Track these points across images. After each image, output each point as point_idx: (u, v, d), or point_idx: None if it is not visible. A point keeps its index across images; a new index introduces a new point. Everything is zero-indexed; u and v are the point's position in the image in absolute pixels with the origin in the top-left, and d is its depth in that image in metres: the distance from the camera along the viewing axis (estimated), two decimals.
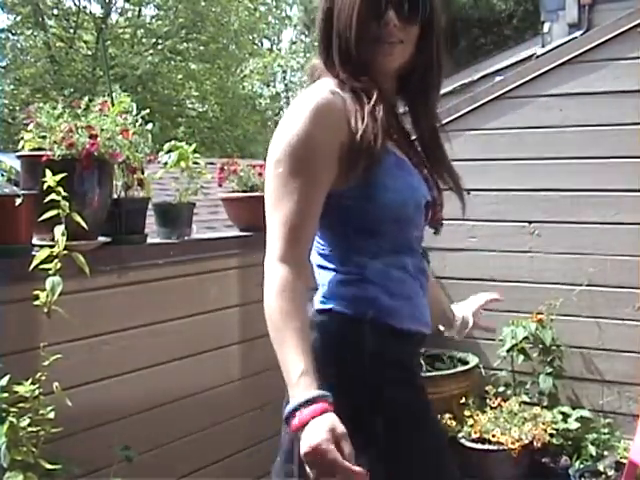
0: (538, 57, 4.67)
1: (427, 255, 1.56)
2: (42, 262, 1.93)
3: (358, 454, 1.21)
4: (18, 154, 2.26)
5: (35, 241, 2.15)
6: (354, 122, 1.36)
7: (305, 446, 1.19)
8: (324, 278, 1.45)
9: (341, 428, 1.20)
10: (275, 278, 1.30)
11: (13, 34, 19.39)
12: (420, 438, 1.42)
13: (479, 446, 3.26)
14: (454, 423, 3.36)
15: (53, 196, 1.97)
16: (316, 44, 1.52)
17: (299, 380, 1.25)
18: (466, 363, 3.64)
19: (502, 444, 3.21)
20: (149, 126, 2.51)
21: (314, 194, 1.35)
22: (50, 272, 1.92)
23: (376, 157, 1.36)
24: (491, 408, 3.42)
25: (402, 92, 1.51)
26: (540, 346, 3.50)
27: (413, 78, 1.47)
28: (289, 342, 1.27)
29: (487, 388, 3.55)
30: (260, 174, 3.00)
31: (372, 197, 1.39)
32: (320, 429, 1.19)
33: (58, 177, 1.98)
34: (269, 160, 1.38)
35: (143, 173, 2.51)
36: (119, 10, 20.57)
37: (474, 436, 3.28)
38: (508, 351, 3.53)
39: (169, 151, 2.72)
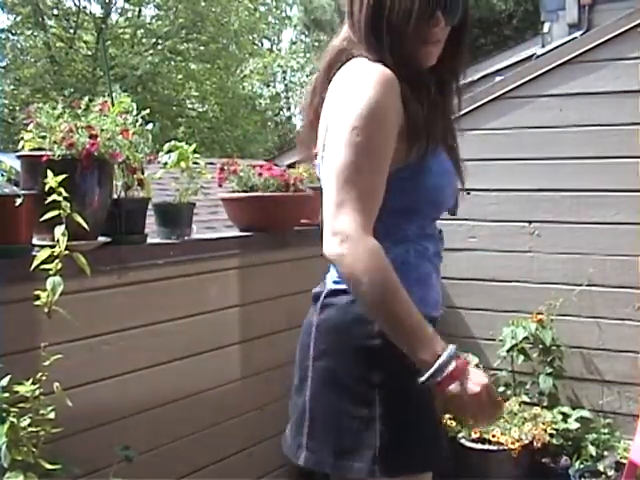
0: (538, 57, 4.67)
1: (442, 235, 1.61)
2: (43, 262, 1.93)
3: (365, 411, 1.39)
4: (18, 154, 2.26)
5: (35, 241, 2.15)
6: (415, 106, 1.39)
7: (476, 385, 1.30)
8: None
9: None
10: (374, 248, 1.30)
11: (13, 34, 19.41)
12: (418, 399, 1.44)
13: (479, 446, 3.26)
14: (454, 423, 3.36)
15: (54, 197, 1.97)
16: (346, 26, 1.51)
17: (435, 337, 1.32)
18: None
19: (502, 444, 3.21)
20: (149, 126, 2.51)
21: (386, 166, 1.37)
22: (51, 272, 1.92)
23: (436, 141, 1.43)
24: None
25: None
26: (540, 346, 3.50)
27: (443, 71, 1.52)
28: (413, 305, 1.30)
29: None
30: (260, 174, 3.00)
31: (417, 179, 1.44)
32: (480, 372, 1.34)
33: (59, 178, 1.98)
34: (342, 125, 1.35)
35: (143, 173, 2.51)
36: (119, 10, 20.59)
37: (474, 436, 3.28)
38: (508, 351, 3.52)
39: (169, 151, 2.71)
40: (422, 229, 1.51)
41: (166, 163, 2.70)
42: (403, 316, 1.30)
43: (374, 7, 1.43)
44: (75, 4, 19.80)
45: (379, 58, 1.41)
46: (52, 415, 1.90)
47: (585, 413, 3.44)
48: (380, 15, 1.42)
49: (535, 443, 3.24)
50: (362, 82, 1.36)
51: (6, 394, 1.86)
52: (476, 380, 1.32)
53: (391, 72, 1.38)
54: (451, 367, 1.29)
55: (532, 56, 5.74)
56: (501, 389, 3.59)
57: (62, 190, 1.98)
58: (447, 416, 3.35)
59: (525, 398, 3.52)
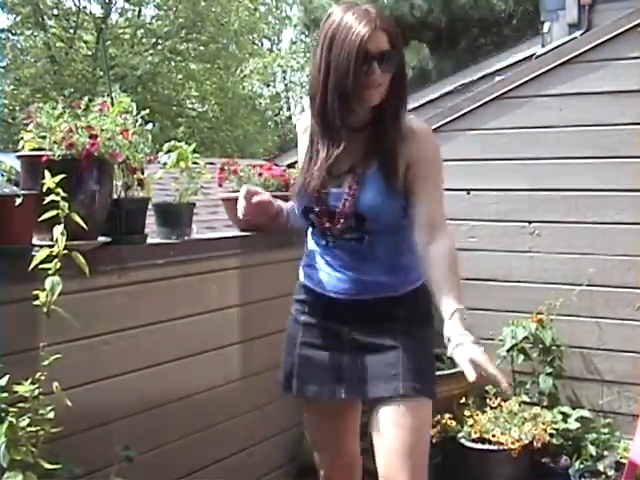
0: (538, 57, 4.67)
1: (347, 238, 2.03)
2: (42, 262, 1.93)
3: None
4: (18, 154, 2.26)
5: (35, 241, 2.15)
6: (305, 168, 1.99)
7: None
8: None
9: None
10: None
11: (13, 34, 19.41)
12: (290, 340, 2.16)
13: (479, 446, 3.26)
14: (454, 423, 3.36)
15: (53, 197, 1.97)
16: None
17: None
18: None
19: (502, 444, 3.20)
20: (149, 126, 2.50)
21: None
22: (50, 272, 1.92)
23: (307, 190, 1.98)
24: (491, 408, 3.42)
25: (377, 116, 1.95)
26: (540, 346, 3.50)
27: (388, 106, 1.93)
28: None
29: (487, 388, 3.55)
30: (260, 174, 3.00)
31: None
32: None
33: (57, 178, 1.98)
34: None
35: (143, 173, 2.50)
36: (119, 10, 20.59)
37: (474, 436, 3.28)
38: (508, 351, 3.52)
39: (169, 151, 2.71)
40: (312, 230, 2.09)
41: (165, 163, 2.69)
42: None
43: (325, 69, 1.90)
44: (75, 4, 19.81)
45: (313, 110, 1.97)
46: (51, 415, 1.90)
47: (585, 413, 3.44)
48: (328, 74, 1.89)
49: (535, 443, 3.23)
50: None
51: (5, 394, 1.86)
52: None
53: (306, 117, 2.06)
54: None
55: (532, 56, 5.74)
56: None
57: (60, 190, 1.98)
58: (447, 416, 3.36)
59: (525, 398, 3.51)
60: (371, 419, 1.98)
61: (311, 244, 2.10)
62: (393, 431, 1.92)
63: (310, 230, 2.08)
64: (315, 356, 2.06)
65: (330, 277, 2.02)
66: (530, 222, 3.68)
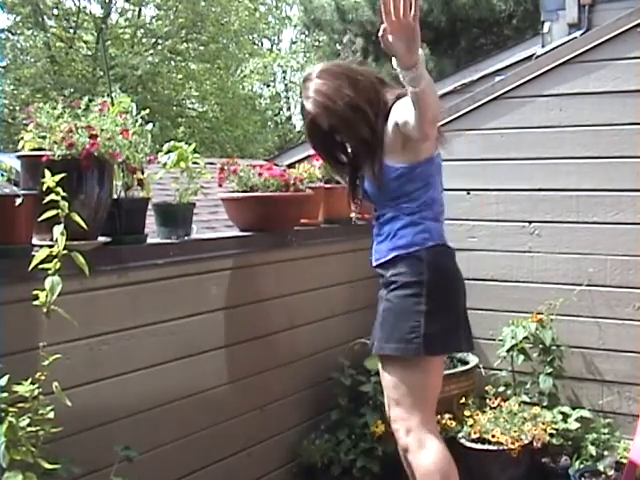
0: (538, 57, 4.66)
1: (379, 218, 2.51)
2: (42, 262, 1.93)
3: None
4: (18, 154, 2.26)
5: (35, 241, 2.15)
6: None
7: None
8: None
9: None
10: None
11: (13, 34, 19.41)
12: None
13: (479, 446, 3.25)
14: (454, 423, 3.36)
15: (52, 196, 1.97)
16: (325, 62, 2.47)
17: None
18: (466, 363, 3.63)
19: (502, 444, 3.20)
20: (149, 126, 2.51)
21: None
22: (50, 272, 1.92)
23: None
24: (491, 408, 3.42)
25: None
26: (540, 346, 3.50)
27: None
28: None
29: (487, 388, 3.55)
30: (260, 174, 3.00)
31: None
32: None
33: (57, 177, 1.98)
34: None
35: (143, 173, 2.51)
36: (119, 10, 20.60)
37: (474, 436, 3.28)
38: (508, 351, 3.52)
39: (169, 151, 2.71)
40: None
41: (165, 163, 2.69)
42: None
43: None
44: (75, 4, 19.83)
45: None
46: (51, 415, 1.90)
47: (585, 413, 3.44)
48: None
49: (535, 443, 3.23)
50: None
51: (5, 394, 1.86)
52: None
53: None
54: None
55: (532, 56, 5.74)
56: (501, 389, 3.59)
57: (60, 190, 1.98)
58: (447, 416, 3.36)
59: (525, 398, 3.51)
60: None
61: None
62: (383, 378, 2.49)
63: None
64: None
65: (374, 248, 2.51)
66: (530, 222, 3.68)
